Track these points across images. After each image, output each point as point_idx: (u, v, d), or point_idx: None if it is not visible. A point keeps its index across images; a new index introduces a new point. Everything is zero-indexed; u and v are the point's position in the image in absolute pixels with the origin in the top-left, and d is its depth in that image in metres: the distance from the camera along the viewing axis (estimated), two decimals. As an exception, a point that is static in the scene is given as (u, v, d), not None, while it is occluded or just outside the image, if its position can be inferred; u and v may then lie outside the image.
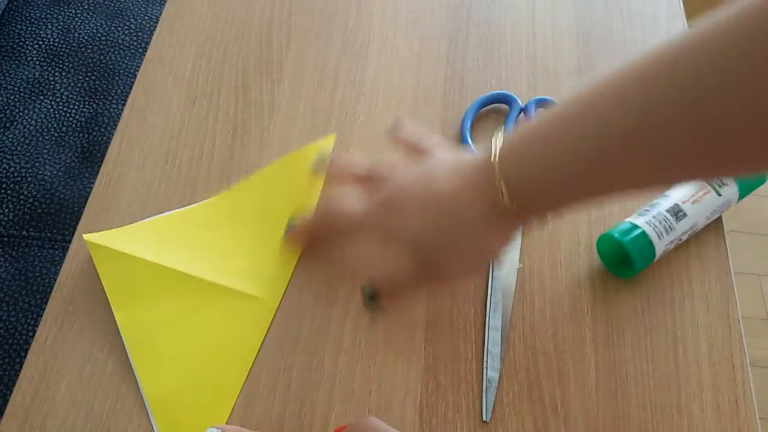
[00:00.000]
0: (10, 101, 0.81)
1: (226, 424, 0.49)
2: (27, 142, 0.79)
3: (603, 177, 0.39)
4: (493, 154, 0.42)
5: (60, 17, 0.89)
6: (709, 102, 0.33)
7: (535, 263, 0.56)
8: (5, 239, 0.73)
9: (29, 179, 0.76)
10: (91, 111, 0.82)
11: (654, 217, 0.53)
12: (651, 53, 0.36)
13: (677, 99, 0.34)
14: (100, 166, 0.59)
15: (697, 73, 0.33)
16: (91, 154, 0.79)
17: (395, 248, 0.44)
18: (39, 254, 0.72)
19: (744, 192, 0.56)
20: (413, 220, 0.43)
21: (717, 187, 0.54)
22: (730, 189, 0.55)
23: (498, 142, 0.42)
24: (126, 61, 0.87)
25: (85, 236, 0.53)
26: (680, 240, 0.54)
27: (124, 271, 0.52)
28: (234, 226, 0.56)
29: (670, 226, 0.53)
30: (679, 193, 0.54)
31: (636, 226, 0.53)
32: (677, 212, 0.53)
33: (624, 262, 0.54)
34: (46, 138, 0.79)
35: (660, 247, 0.53)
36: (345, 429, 0.44)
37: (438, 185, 0.44)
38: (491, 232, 0.43)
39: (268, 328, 0.52)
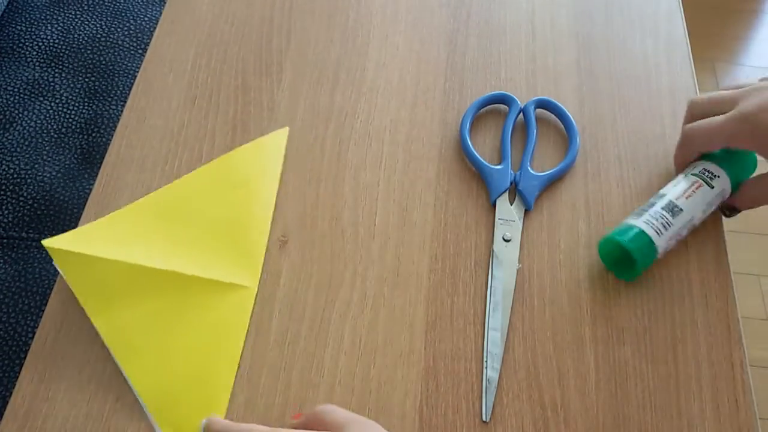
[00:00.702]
0: (9, 102, 0.81)
1: (225, 417, 0.49)
2: (26, 143, 0.79)
3: None
4: None
5: (60, 18, 0.89)
6: None
7: (535, 263, 0.56)
8: (5, 241, 0.73)
9: (29, 180, 0.76)
10: (90, 112, 0.82)
11: (651, 215, 0.53)
12: None
13: None
14: (100, 167, 0.59)
15: None
16: (90, 155, 0.79)
17: None
18: (39, 256, 0.72)
19: (736, 182, 0.56)
20: None
21: (708, 180, 0.55)
22: (722, 180, 0.55)
23: None
24: (126, 62, 0.87)
25: (45, 242, 0.52)
26: (680, 236, 0.54)
27: (93, 274, 0.51)
28: (193, 215, 0.56)
29: (667, 222, 0.53)
30: (672, 191, 0.55)
31: (633, 226, 0.53)
32: (672, 208, 0.53)
33: (627, 262, 0.54)
34: (46, 139, 0.79)
35: (661, 244, 0.53)
36: (300, 417, 0.46)
37: None
38: None
39: (251, 314, 0.52)
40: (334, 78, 0.65)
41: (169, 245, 0.54)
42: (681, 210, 0.54)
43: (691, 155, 0.58)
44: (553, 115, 0.64)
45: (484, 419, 0.49)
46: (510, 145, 0.61)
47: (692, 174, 0.56)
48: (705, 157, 0.57)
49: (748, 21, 2.00)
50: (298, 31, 0.68)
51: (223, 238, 0.55)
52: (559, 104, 0.63)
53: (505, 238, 0.57)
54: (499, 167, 0.60)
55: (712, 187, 0.55)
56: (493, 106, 0.64)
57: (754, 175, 0.57)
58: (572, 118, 0.63)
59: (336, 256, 0.56)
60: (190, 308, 0.52)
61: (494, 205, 0.58)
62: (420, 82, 0.66)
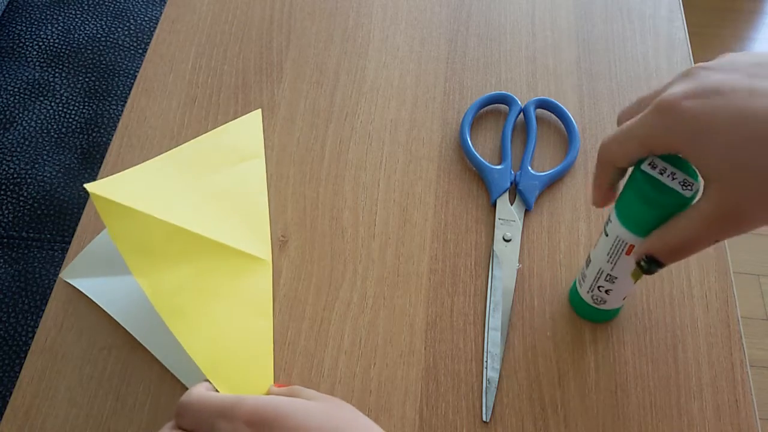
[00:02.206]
0: (9, 102, 0.81)
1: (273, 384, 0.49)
2: (27, 143, 0.79)
3: None
4: None
5: (60, 18, 0.89)
6: None
7: (535, 263, 0.56)
8: (5, 240, 0.73)
9: (29, 180, 0.76)
10: (91, 112, 0.82)
11: (581, 269, 0.52)
12: None
13: None
14: (100, 167, 0.59)
15: None
16: (90, 155, 0.79)
17: None
18: (38, 255, 0.72)
19: (632, 226, 0.45)
20: (721, 145, 0.35)
21: (605, 227, 0.48)
22: (613, 226, 0.46)
23: None
24: (126, 62, 0.87)
25: (89, 186, 0.49)
26: (603, 287, 0.50)
27: (135, 229, 0.50)
28: (206, 182, 0.57)
29: (583, 274, 0.51)
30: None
31: (575, 282, 0.54)
32: (588, 260, 0.51)
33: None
34: (46, 139, 0.79)
35: (583, 294, 0.52)
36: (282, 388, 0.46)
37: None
38: None
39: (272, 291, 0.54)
40: (334, 78, 0.65)
41: (196, 208, 0.55)
42: (590, 260, 0.50)
43: (608, 174, 0.45)
44: (553, 115, 0.64)
45: (484, 419, 0.49)
46: (510, 145, 0.61)
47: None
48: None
49: (748, 21, 2.00)
50: (298, 31, 0.68)
51: (236, 210, 0.56)
52: (560, 104, 0.63)
53: (506, 238, 0.57)
54: (499, 167, 0.60)
55: (607, 234, 0.47)
56: (494, 106, 0.64)
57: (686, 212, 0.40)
58: (572, 118, 0.63)
59: (336, 256, 0.56)
60: (221, 274, 0.52)
61: (494, 205, 0.58)
62: (420, 82, 0.66)
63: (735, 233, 0.38)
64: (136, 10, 0.91)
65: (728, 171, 0.36)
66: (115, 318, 0.51)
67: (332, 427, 0.39)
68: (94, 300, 0.52)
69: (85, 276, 0.54)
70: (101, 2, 0.91)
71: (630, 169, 0.44)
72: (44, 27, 0.88)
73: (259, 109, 0.63)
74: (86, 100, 0.83)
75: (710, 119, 0.36)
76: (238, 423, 0.38)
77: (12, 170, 0.77)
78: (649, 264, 0.43)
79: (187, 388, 0.48)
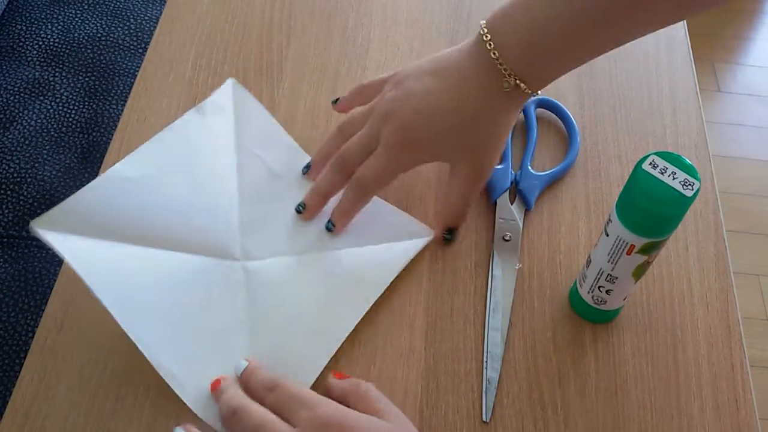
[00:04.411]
0: (9, 101, 0.81)
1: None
2: (27, 142, 0.79)
3: (581, 32, 0.47)
4: (490, 48, 0.49)
5: (60, 17, 0.89)
6: None
7: (535, 263, 0.56)
8: (5, 240, 0.73)
9: (29, 180, 0.76)
10: (91, 111, 0.82)
11: (581, 269, 0.52)
12: None
13: None
14: (100, 166, 0.59)
15: None
16: (90, 155, 0.79)
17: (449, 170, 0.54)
18: (38, 255, 0.72)
19: (632, 226, 0.45)
20: (450, 146, 0.53)
21: (605, 227, 0.48)
22: (614, 226, 0.46)
23: (485, 31, 0.50)
24: (126, 61, 0.87)
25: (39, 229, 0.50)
26: (603, 287, 0.50)
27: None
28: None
29: (583, 274, 0.51)
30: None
31: (575, 282, 0.53)
32: (588, 261, 0.51)
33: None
34: (46, 138, 0.79)
35: (585, 296, 0.52)
36: (343, 381, 0.48)
37: (451, 103, 0.51)
38: (512, 112, 0.52)
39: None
40: (334, 78, 0.65)
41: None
42: (591, 260, 0.50)
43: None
44: (553, 115, 0.64)
45: (484, 419, 0.49)
46: (510, 145, 0.61)
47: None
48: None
49: (748, 21, 2.00)
50: (298, 31, 0.68)
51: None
52: (560, 104, 0.63)
53: (506, 238, 0.57)
54: (499, 167, 0.59)
55: (607, 234, 0.47)
56: (494, 106, 0.64)
57: (448, 187, 0.55)
58: (572, 118, 0.63)
59: (336, 256, 0.56)
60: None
61: (494, 205, 0.58)
62: (420, 81, 0.66)
63: (485, 178, 0.56)
64: (136, 9, 0.91)
65: (464, 152, 0.53)
66: (87, 284, 0.48)
67: None
68: (64, 257, 0.50)
69: (59, 230, 0.51)
70: (101, 2, 0.91)
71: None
72: (44, 26, 0.88)
73: (230, 79, 0.62)
74: (86, 99, 0.83)
75: (430, 137, 0.53)
76: (314, 420, 0.43)
77: (12, 170, 0.77)
78: (450, 234, 0.56)
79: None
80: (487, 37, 0.49)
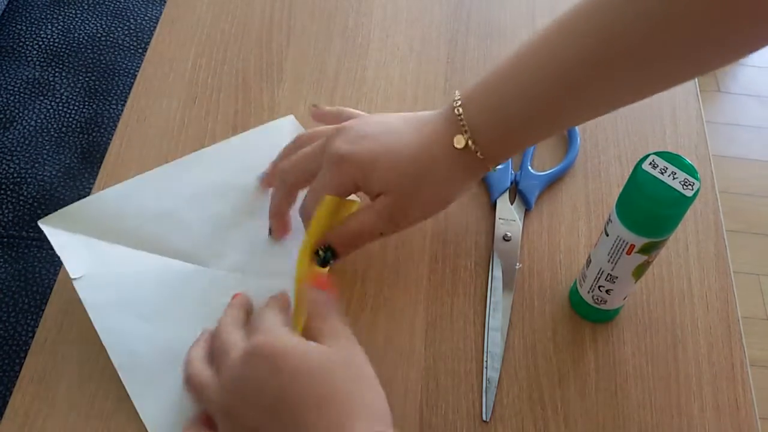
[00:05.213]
0: (9, 101, 0.81)
1: None
2: (27, 142, 0.79)
3: (552, 108, 0.48)
4: (456, 105, 0.49)
5: (60, 17, 0.89)
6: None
7: (535, 263, 0.56)
8: (5, 240, 0.73)
9: (29, 180, 0.76)
10: (91, 111, 0.82)
11: (582, 269, 0.52)
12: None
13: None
14: (100, 166, 0.59)
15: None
16: (90, 155, 0.79)
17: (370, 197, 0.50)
18: (39, 255, 0.72)
19: (632, 226, 0.45)
20: (384, 171, 0.49)
21: (605, 226, 0.48)
22: (614, 226, 0.46)
23: (458, 96, 0.49)
24: (126, 61, 0.87)
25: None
26: (603, 286, 0.50)
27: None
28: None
29: (583, 274, 0.51)
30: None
31: (575, 282, 0.53)
32: (588, 260, 0.51)
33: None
34: (46, 138, 0.79)
35: (585, 295, 0.52)
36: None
37: (402, 137, 0.49)
38: (458, 178, 0.50)
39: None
40: (334, 78, 0.65)
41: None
42: (591, 260, 0.50)
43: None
44: (553, 115, 0.64)
45: (484, 419, 0.49)
46: (510, 145, 0.61)
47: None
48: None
49: (748, 21, 2.00)
50: (298, 31, 0.68)
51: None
52: (560, 104, 0.63)
53: (506, 237, 0.57)
54: (499, 167, 0.59)
55: (607, 234, 0.48)
56: (494, 106, 0.64)
57: (361, 208, 0.51)
58: (572, 118, 0.63)
59: (336, 256, 0.56)
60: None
61: (494, 205, 0.58)
62: (420, 82, 0.66)
63: (395, 228, 0.51)
64: (136, 9, 0.91)
65: (394, 186, 0.49)
66: (74, 285, 0.50)
67: (322, 381, 0.41)
68: (61, 258, 0.51)
69: (64, 230, 0.52)
70: (101, 2, 0.91)
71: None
72: (44, 26, 0.88)
73: (291, 116, 0.62)
74: (86, 99, 0.83)
75: (370, 157, 0.49)
76: (246, 349, 0.43)
77: (12, 170, 0.77)
78: (326, 252, 0.50)
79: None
80: (457, 102, 0.49)
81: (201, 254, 0.54)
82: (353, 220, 0.50)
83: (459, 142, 0.48)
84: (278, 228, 0.54)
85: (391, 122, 0.51)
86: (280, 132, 0.60)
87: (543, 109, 0.48)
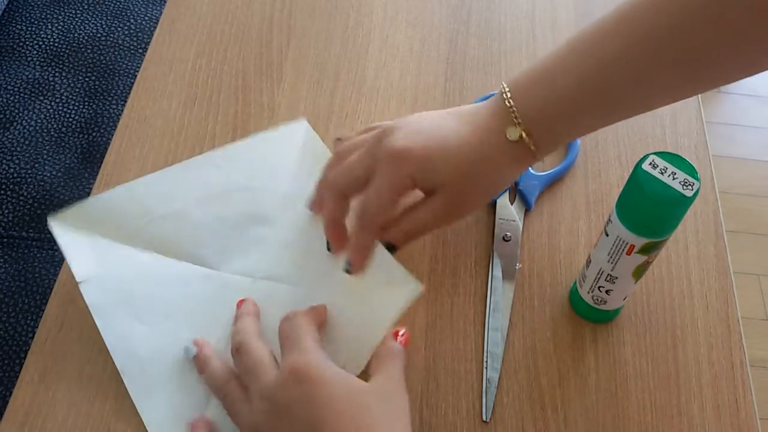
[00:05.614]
0: (9, 101, 0.81)
1: None
2: (27, 142, 0.79)
3: (607, 102, 0.47)
4: (506, 97, 0.48)
5: (60, 17, 0.89)
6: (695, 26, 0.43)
7: (535, 263, 0.56)
8: (5, 240, 0.73)
9: (29, 180, 0.76)
10: (91, 111, 0.82)
11: (581, 269, 0.52)
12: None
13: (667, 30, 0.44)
14: (100, 167, 0.59)
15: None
16: (90, 155, 0.79)
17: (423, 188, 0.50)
18: (39, 255, 0.72)
19: (632, 226, 0.45)
20: (442, 167, 0.48)
21: (605, 227, 0.48)
22: (614, 226, 0.46)
23: (506, 87, 0.49)
24: (126, 61, 0.87)
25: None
26: (603, 286, 0.50)
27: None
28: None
29: (583, 274, 0.51)
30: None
31: (575, 282, 0.53)
32: (588, 261, 0.50)
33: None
34: (46, 138, 0.79)
35: (585, 296, 0.52)
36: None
37: (456, 132, 0.49)
38: (509, 170, 0.50)
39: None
40: (334, 78, 0.65)
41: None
42: (591, 260, 0.50)
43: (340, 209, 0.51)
44: (553, 115, 0.64)
45: (484, 419, 0.49)
46: (510, 145, 0.61)
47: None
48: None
49: (748, 21, 2.00)
50: (298, 31, 0.68)
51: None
52: (560, 104, 0.63)
53: (506, 238, 0.57)
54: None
55: (607, 234, 0.48)
56: (493, 106, 0.64)
57: (417, 204, 0.50)
58: (572, 118, 0.63)
59: (336, 256, 0.56)
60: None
61: (494, 205, 0.58)
62: (420, 82, 0.66)
63: (449, 222, 0.52)
64: (136, 9, 0.91)
65: (450, 182, 0.49)
66: (80, 288, 0.50)
67: (355, 413, 0.42)
68: (66, 258, 0.51)
69: (73, 228, 0.52)
70: (101, 2, 0.91)
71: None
72: (44, 26, 0.88)
73: (305, 120, 0.61)
74: (86, 99, 0.83)
75: (427, 153, 0.48)
76: (285, 370, 0.44)
77: (12, 170, 0.77)
78: (388, 248, 0.50)
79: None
80: (507, 94, 0.48)
81: (210, 257, 0.53)
82: (409, 221, 0.50)
83: (512, 134, 0.48)
84: (336, 239, 0.52)
85: (440, 118, 0.51)
86: (293, 136, 0.60)
87: (598, 101, 0.47)
